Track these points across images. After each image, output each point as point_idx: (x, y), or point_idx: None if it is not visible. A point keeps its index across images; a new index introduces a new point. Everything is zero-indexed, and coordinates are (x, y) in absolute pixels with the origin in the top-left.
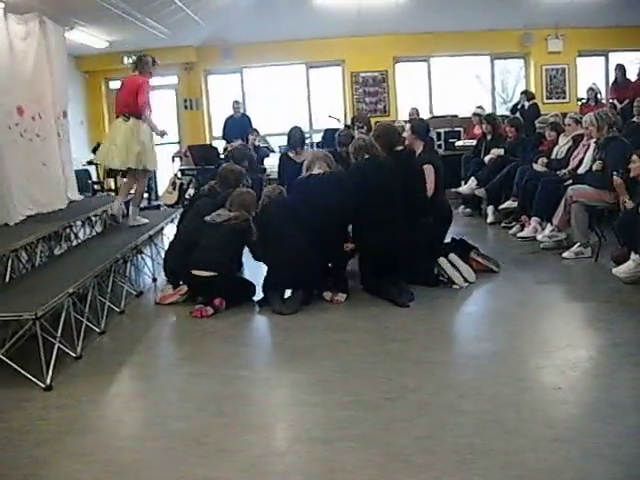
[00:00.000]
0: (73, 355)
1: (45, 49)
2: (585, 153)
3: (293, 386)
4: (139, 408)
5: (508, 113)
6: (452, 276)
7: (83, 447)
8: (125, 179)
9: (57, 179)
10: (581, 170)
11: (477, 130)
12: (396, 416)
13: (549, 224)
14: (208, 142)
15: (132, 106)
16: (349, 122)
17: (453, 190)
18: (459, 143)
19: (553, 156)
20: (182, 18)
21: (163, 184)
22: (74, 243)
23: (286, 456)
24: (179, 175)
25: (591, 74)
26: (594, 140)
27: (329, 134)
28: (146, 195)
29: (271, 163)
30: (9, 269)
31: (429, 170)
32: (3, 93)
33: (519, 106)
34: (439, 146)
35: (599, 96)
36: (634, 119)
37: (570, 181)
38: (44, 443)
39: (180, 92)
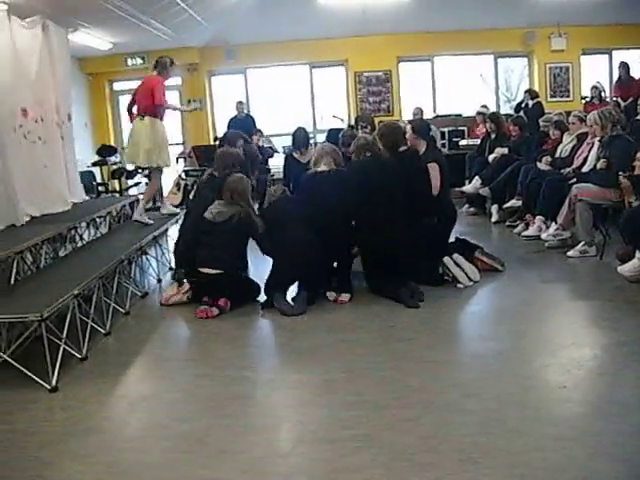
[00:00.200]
0: (78, 356)
1: (48, 52)
2: (589, 151)
3: (297, 386)
4: (144, 409)
5: (512, 112)
6: (457, 275)
7: (87, 448)
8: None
9: (59, 182)
10: (585, 168)
11: (481, 129)
12: (400, 415)
13: (554, 223)
14: (212, 143)
15: (147, 105)
16: (353, 122)
17: (457, 189)
18: (463, 142)
19: (557, 155)
20: (185, 19)
21: (167, 185)
22: (79, 244)
23: (290, 457)
24: (183, 176)
25: (595, 72)
26: (598, 138)
27: (333, 134)
28: None
29: (275, 163)
30: (14, 271)
31: (434, 168)
32: (7, 94)
33: (523, 105)
34: (443, 145)
35: (603, 94)
36: (638, 117)
37: (574, 179)
38: (49, 444)
39: (184, 93)
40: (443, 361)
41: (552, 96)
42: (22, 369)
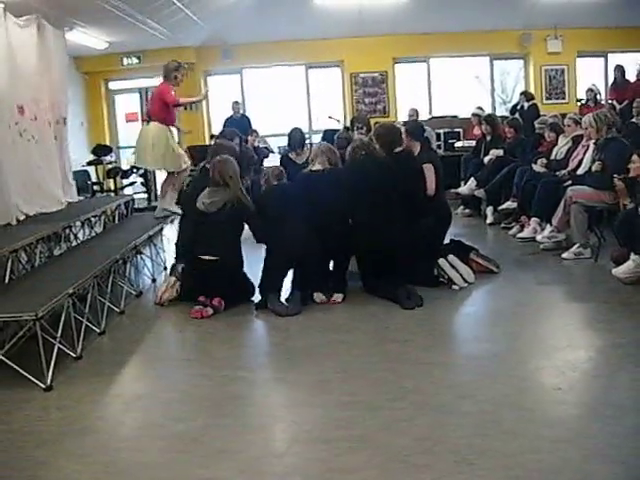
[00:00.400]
0: (73, 355)
1: (44, 52)
2: (584, 154)
3: (292, 387)
4: (139, 409)
5: (507, 114)
6: (452, 277)
7: (83, 448)
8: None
9: (52, 182)
10: (580, 171)
11: (476, 131)
12: (395, 417)
13: (549, 225)
14: (208, 143)
15: (153, 111)
16: (349, 123)
17: (453, 191)
18: (459, 144)
19: (552, 157)
20: (182, 19)
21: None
22: (74, 244)
23: (285, 457)
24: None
25: (590, 75)
26: (593, 141)
27: (329, 135)
28: (145, 196)
29: (271, 164)
30: (9, 270)
31: (429, 169)
32: (3, 91)
33: (518, 107)
34: (438, 147)
35: (598, 97)
36: (633, 120)
37: (569, 182)
38: (45, 444)
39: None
40: (438, 362)
41: (548, 98)
42: (17, 368)
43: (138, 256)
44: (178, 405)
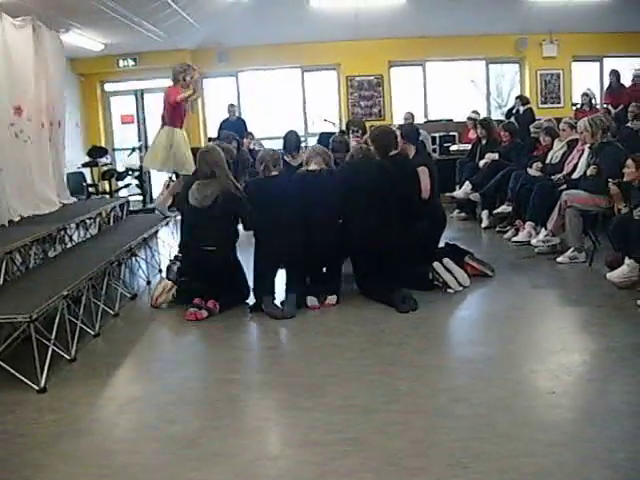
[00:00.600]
0: (67, 358)
1: (40, 53)
2: (579, 158)
3: (287, 390)
4: (133, 411)
5: (503, 118)
6: (447, 280)
7: (77, 450)
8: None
9: (45, 183)
10: (575, 175)
11: (472, 134)
12: (390, 420)
13: (543, 229)
14: (204, 145)
15: (164, 115)
16: (344, 126)
17: (448, 194)
18: (454, 147)
19: (548, 161)
20: (178, 21)
21: (158, 187)
22: (68, 245)
23: (279, 460)
24: (174, 178)
25: (586, 79)
26: (588, 145)
27: (324, 138)
28: (140, 198)
29: None
30: (3, 271)
31: (424, 172)
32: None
33: (514, 111)
34: (434, 150)
35: (593, 101)
36: (628, 124)
37: (564, 186)
38: (39, 446)
39: None
40: (433, 365)
41: (543, 102)
42: (11, 370)
43: (133, 258)
44: (173, 407)
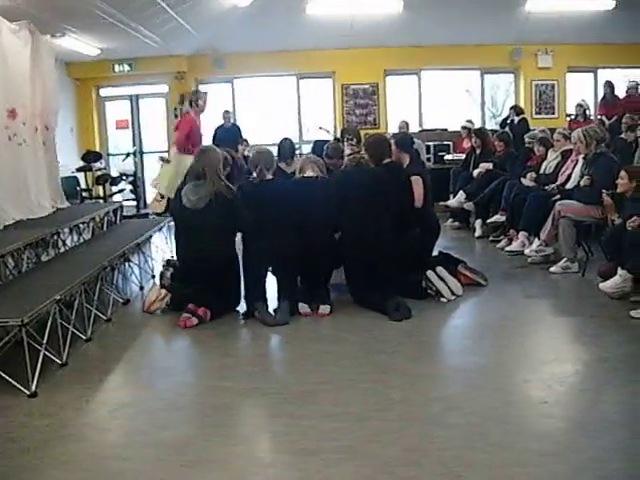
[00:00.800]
0: (59, 362)
1: (35, 58)
2: (573, 168)
3: (278, 397)
4: (124, 417)
5: (497, 127)
6: (440, 289)
7: (68, 455)
8: None
9: (39, 187)
10: (569, 185)
11: (466, 144)
12: (382, 428)
13: (537, 238)
14: None
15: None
16: (339, 134)
17: (442, 203)
18: (448, 157)
19: (542, 171)
20: (174, 27)
21: (151, 192)
22: (61, 250)
23: (270, 468)
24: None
25: (580, 90)
26: (582, 156)
27: (318, 145)
28: (134, 203)
29: None
30: None
31: (417, 182)
32: None
33: (508, 121)
34: (428, 159)
35: (588, 112)
36: (622, 135)
37: (558, 196)
38: (29, 450)
39: (170, 101)
40: (426, 374)
41: (537, 113)
42: (1, 374)
43: (126, 263)
44: (163, 414)
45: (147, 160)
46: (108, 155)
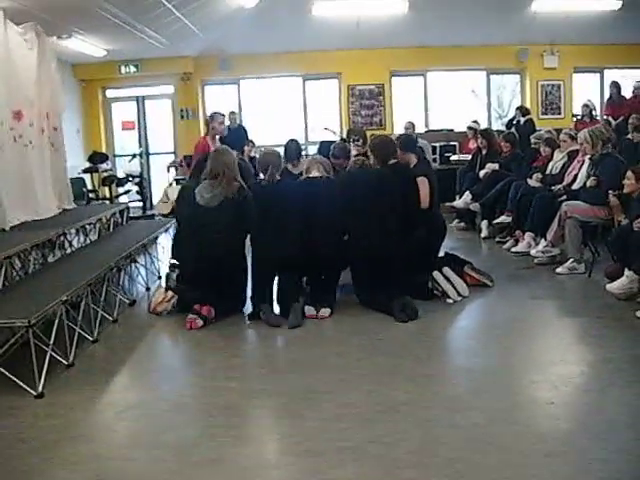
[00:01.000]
0: (65, 363)
1: (41, 59)
2: (580, 169)
3: (284, 398)
4: (130, 418)
5: (503, 128)
6: (446, 290)
7: (74, 456)
8: None
9: (47, 188)
10: (575, 186)
11: (472, 144)
12: (388, 429)
13: (543, 239)
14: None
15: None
16: (345, 135)
17: (448, 204)
18: (454, 157)
19: (548, 172)
20: (180, 28)
21: (158, 194)
22: (68, 251)
23: (276, 469)
24: (174, 185)
25: (586, 90)
26: (589, 156)
27: (325, 146)
28: (141, 204)
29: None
30: (2, 276)
31: (423, 183)
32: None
33: (514, 121)
34: (434, 160)
35: (594, 112)
36: (628, 136)
37: (564, 197)
38: (36, 451)
39: (176, 102)
40: (431, 375)
41: (543, 113)
42: (8, 375)
43: (132, 264)
44: (170, 415)
45: (153, 161)
46: (114, 156)
